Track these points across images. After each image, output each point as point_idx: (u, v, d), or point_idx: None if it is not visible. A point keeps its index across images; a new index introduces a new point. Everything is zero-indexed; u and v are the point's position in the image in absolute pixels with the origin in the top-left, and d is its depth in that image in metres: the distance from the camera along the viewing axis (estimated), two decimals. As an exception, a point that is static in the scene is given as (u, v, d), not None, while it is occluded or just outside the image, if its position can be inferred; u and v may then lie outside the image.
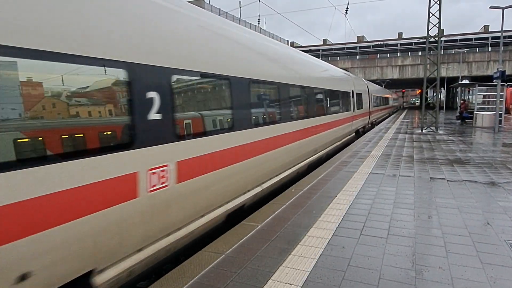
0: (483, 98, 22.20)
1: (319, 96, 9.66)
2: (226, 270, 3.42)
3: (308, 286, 3.10)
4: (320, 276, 3.27)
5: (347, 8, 32.82)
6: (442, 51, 43.20)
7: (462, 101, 24.41)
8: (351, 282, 3.15)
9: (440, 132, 17.24)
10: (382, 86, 44.39)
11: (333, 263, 3.52)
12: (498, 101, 17.59)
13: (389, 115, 38.64)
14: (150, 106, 3.35)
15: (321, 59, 14.55)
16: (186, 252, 4.76)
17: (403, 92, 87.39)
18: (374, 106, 23.53)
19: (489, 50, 50.23)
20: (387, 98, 36.47)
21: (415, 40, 55.91)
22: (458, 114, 23.98)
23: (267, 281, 3.19)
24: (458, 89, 30.26)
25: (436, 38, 17.39)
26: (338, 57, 58.49)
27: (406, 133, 17.07)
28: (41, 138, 2.46)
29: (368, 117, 19.72)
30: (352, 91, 14.76)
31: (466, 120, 22.92)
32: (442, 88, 43.83)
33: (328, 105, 10.47)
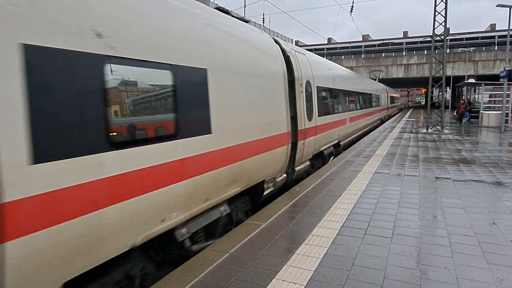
0: (489, 98, 22.04)
1: None
2: (230, 268, 3.43)
3: (312, 285, 3.10)
4: (324, 275, 3.26)
5: (352, 7, 32.73)
6: (448, 49, 42.91)
7: (461, 101, 23.02)
8: (355, 282, 3.14)
9: (446, 131, 17.12)
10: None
11: (338, 263, 3.52)
12: (505, 100, 17.47)
13: (382, 122, 27.08)
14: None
15: (326, 59, 12.65)
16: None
17: (408, 92, 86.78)
18: (327, 113, 9.83)
19: (496, 49, 49.69)
20: (373, 96, 20.53)
21: (421, 39, 55.51)
22: (455, 115, 23.63)
23: (271, 280, 3.19)
24: (464, 88, 29.99)
25: (442, 37, 17.26)
26: (343, 56, 58.24)
27: (411, 132, 16.98)
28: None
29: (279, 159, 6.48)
30: None
31: (471, 120, 22.72)
32: (448, 87, 43.49)
33: None
